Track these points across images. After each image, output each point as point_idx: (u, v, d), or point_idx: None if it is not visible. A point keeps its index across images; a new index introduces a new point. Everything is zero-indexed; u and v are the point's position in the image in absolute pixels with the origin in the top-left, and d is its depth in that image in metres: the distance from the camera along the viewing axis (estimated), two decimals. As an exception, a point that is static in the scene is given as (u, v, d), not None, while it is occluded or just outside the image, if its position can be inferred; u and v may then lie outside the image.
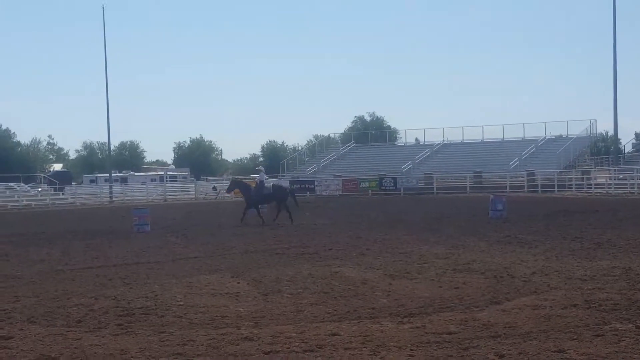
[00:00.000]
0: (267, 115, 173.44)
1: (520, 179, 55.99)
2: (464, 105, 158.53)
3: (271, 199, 29.66)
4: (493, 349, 7.83)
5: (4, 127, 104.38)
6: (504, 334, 8.53)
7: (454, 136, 75.57)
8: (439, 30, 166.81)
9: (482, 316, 9.59)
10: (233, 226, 27.39)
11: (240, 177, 75.74)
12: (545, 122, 71.47)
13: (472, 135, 74.71)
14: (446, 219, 28.28)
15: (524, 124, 72.19)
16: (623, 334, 8.39)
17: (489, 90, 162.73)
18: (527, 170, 56.80)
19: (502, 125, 74.11)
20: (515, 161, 62.83)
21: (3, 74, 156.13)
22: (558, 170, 57.42)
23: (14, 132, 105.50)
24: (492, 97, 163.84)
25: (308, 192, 60.40)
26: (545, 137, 69.80)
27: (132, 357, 7.92)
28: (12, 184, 69.53)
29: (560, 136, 69.76)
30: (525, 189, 53.07)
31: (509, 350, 7.75)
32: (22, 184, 70.60)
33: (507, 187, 52.65)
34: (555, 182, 52.93)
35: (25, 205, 55.25)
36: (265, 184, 30.27)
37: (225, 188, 36.91)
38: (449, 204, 40.67)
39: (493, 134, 73.43)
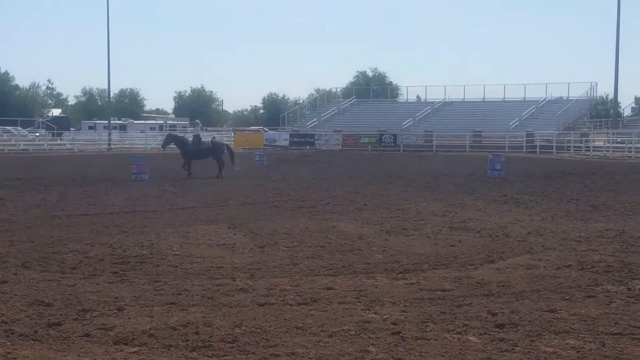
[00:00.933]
0: (269, 67, 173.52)
1: (520, 139, 55.97)
2: (466, 64, 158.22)
3: (208, 154, 28.81)
4: (486, 307, 7.87)
5: (2, 70, 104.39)
6: (497, 292, 8.57)
7: (455, 94, 75.37)
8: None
9: (476, 274, 9.63)
10: (231, 177, 27.37)
11: (239, 128, 75.61)
12: (546, 84, 71.33)
13: (473, 94, 74.58)
14: (444, 177, 28.29)
15: (525, 84, 72.05)
16: (614, 295, 8.44)
17: (491, 50, 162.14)
18: (526, 131, 56.72)
19: (504, 85, 74.08)
20: (515, 121, 62.69)
21: (3, 16, 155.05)
22: (557, 132, 57.32)
23: (12, 76, 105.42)
24: (494, 57, 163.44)
25: (308, 146, 60.34)
26: (545, 99, 69.56)
27: (126, 305, 7.95)
28: (9, 127, 69.53)
29: (561, 98, 69.49)
30: (524, 150, 53.08)
31: (502, 308, 7.79)
32: (20, 128, 70.52)
33: (506, 147, 52.60)
34: (554, 144, 52.86)
35: (23, 149, 55.24)
36: (203, 139, 29.90)
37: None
38: (448, 162, 40.65)
39: (494, 94, 73.28)
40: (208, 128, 79.58)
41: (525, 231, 13.62)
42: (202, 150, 28.69)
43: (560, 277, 9.46)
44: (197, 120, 36.57)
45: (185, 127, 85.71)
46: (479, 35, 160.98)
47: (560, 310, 7.72)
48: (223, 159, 28.53)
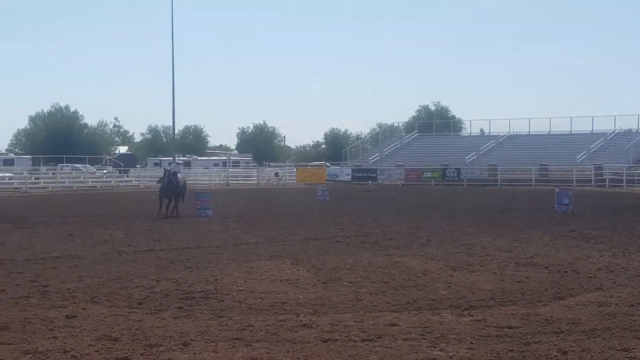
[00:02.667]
0: (331, 102, 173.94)
1: (588, 172, 55.04)
2: (531, 97, 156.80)
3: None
4: (555, 345, 7.70)
5: (72, 109, 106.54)
6: (567, 330, 8.38)
7: (520, 127, 74.89)
8: (507, 19, 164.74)
9: (544, 311, 9.44)
10: (294, 213, 27.44)
11: (301, 163, 75.95)
12: (614, 115, 70.02)
13: (539, 127, 74.15)
14: (510, 212, 27.96)
15: (592, 116, 70.94)
16: (691, 334, 8.18)
17: (557, 82, 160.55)
18: (594, 164, 55.80)
19: (570, 117, 73.17)
20: (583, 154, 61.73)
21: (72, 57, 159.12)
22: (627, 165, 56.25)
23: (81, 114, 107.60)
24: (560, 89, 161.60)
25: (370, 181, 60.27)
26: (614, 131, 68.31)
27: (191, 340, 7.98)
28: (78, 165, 70.98)
29: (630, 130, 68.21)
30: (593, 183, 52.17)
31: (572, 346, 7.61)
32: (88, 165, 71.97)
33: (574, 181, 51.80)
34: (624, 177, 51.90)
35: (91, 186, 56.21)
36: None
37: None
38: (513, 196, 40.17)
39: (560, 127, 72.43)
40: (270, 163, 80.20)
41: (595, 267, 13.33)
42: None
43: (633, 314, 9.21)
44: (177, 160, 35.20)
45: (248, 163, 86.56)
46: (544, 67, 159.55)
47: (633, 349, 7.51)
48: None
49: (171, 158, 72.52)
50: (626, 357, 7.21)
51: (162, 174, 29.16)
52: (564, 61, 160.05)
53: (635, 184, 50.30)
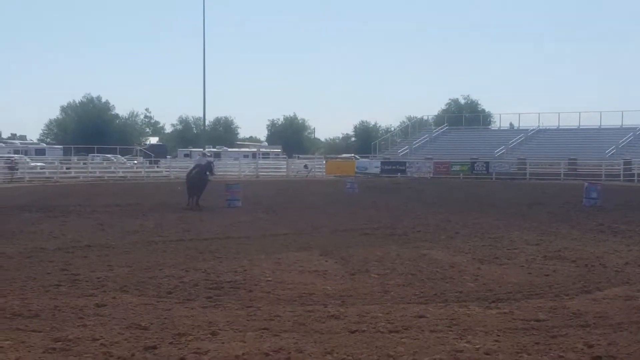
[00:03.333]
0: (361, 95, 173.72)
1: (617, 167, 54.55)
2: (561, 91, 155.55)
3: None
4: (582, 338, 7.71)
5: (103, 100, 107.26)
6: (594, 323, 8.39)
7: (549, 122, 73.98)
8: (536, 13, 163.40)
9: (572, 305, 9.44)
10: (323, 204, 27.51)
11: (331, 156, 76.02)
12: (644, 110, 69.30)
13: (568, 121, 73.09)
14: (538, 206, 27.82)
15: (622, 111, 70.07)
16: None
17: (586, 76, 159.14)
18: (623, 159, 55.30)
19: (600, 112, 72.25)
20: (612, 149, 61.19)
21: (104, 48, 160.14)
22: (656, 160, 55.71)
23: (112, 105, 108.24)
24: (589, 83, 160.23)
25: (399, 174, 60.16)
26: (644, 126, 67.69)
27: (219, 329, 8.07)
28: (109, 155, 71.49)
29: (660, 125, 67.53)
30: (622, 178, 51.70)
31: (599, 340, 7.61)
32: (119, 155, 72.44)
33: (603, 176, 51.35)
34: (654, 172, 51.42)
35: (121, 176, 56.61)
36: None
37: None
38: (541, 190, 39.94)
39: (590, 121, 71.64)
40: (300, 156, 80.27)
41: (622, 261, 13.28)
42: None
43: (659, 309, 9.19)
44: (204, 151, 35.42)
45: (278, 154, 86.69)
46: (573, 61, 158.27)
47: (660, 343, 7.50)
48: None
49: (202, 149, 72.98)
50: (653, 351, 7.21)
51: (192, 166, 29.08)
52: (594, 55, 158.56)
53: (664, 179, 49.84)
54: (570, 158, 58.06)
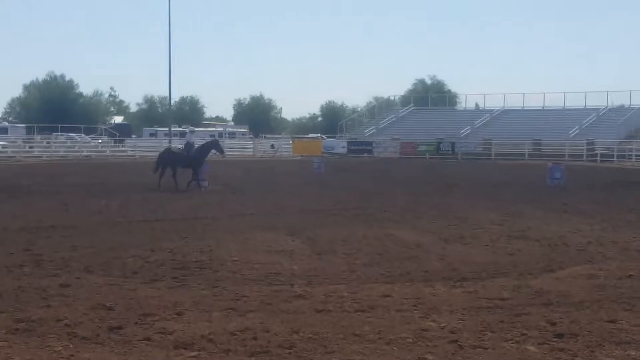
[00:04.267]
0: (328, 75, 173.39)
1: (580, 147, 55.16)
2: (525, 72, 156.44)
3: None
4: (545, 316, 7.80)
5: (67, 78, 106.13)
6: (557, 302, 8.48)
7: (515, 102, 74.57)
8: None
9: (535, 283, 9.54)
10: (290, 185, 27.50)
11: (297, 136, 75.98)
12: (607, 91, 70.09)
13: (533, 102, 73.98)
14: (503, 186, 28.05)
15: (585, 92, 70.80)
16: (678, 307, 8.29)
17: (551, 58, 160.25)
18: (587, 139, 55.91)
19: (564, 93, 72.99)
20: (576, 130, 61.86)
21: (69, 26, 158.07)
22: (618, 140, 56.40)
23: (77, 84, 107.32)
24: (554, 65, 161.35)
25: (366, 154, 60.32)
26: (607, 107, 68.37)
27: (185, 309, 8.05)
28: (73, 134, 70.73)
29: (622, 106, 68.27)
30: (585, 158, 52.30)
31: (561, 318, 7.71)
32: (83, 134, 71.73)
33: (566, 156, 51.90)
34: (615, 152, 52.07)
35: (86, 156, 56.11)
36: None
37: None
38: (506, 170, 40.26)
39: (554, 102, 72.36)
40: (267, 135, 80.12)
41: (585, 240, 13.43)
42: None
43: (621, 287, 9.32)
44: (191, 127, 35.73)
45: (245, 134, 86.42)
46: (538, 43, 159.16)
47: (621, 320, 7.61)
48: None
49: (167, 129, 72.56)
50: (614, 329, 7.30)
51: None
52: (558, 37, 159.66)
53: (626, 159, 50.42)
54: (534, 138, 58.57)
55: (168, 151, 27.51)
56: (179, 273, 10.19)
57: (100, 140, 68.82)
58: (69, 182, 28.51)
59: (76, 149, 59.64)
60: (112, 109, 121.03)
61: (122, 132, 73.82)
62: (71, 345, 6.73)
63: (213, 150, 27.43)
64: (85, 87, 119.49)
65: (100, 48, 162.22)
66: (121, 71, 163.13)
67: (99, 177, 31.53)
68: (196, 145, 27.77)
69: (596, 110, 67.76)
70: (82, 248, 12.29)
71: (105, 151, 59.40)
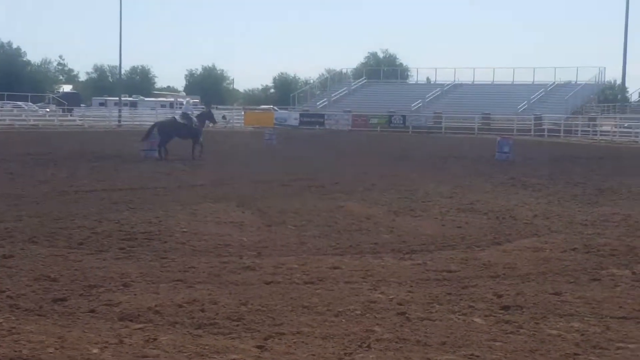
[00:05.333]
0: (280, 46, 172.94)
1: (528, 122, 55.86)
2: (476, 46, 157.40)
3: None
4: (492, 288, 7.87)
5: (14, 46, 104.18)
6: (503, 274, 8.57)
7: (465, 77, 75.12)
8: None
9: (482, 256, 9.62)
10: (241, 156, 27.39)
11: (249, 107, 75.67)
12: (555, 68, 71.11)
13: (483, 76, 74.26)
14: (453, 159, 28.27)
15: (534, 68, 71.83)
16: (619, 279, 8.43)
17: (501, 32, 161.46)
18: (534, 115, 56.59)
19: (513, 68, 73.77)
20: (524, 105, 62.60)
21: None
22: (565, 116, 57.22)
23: (24, 51, 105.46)
24: (503, 40, 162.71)
25: (318, 126, 60.32)
26: (554, 83, 69.35)
27: (132, 281, 7.96)
28: (20, 103, 69.54)
29: (569, 82, 69.24)
30: (532, 133, 52.97)
31: (507, 290, 7.78)
32: (31, 103, 70.63)
33: (515, 130, 52.49)
34: (562, 128, 52.80)
35: (33, 125, 55.26)
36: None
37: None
38: (456, 144, 40.62)
39: (503, 77, 72.95)
40: (218, 106, 79.61)
41: (531, 214, 13.59)
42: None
43: (565, 260, 9.44)
44: (188, 99, 36.06)
45: (196, 105, 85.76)
46: (489, 17, 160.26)
47: (565, 293, 7.71)
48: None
49: (117, 98, 71.69)
50: (558, 301, 7.40)
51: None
52: (508, 13, 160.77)
53: (572, 135, 51.15)
54: (484, 113, 59.11)
55: (173, 122, 27.29)
56: (126, 244, 10.05)
57: (48, 109, 67.73)
58: (15, 151, 28.03)
59: (23, 117, 58.66)
60: (61, 78, 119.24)
61: (71, 101, 72.78)
62: (13, 318, 6.59)
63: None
64: (34, 56, 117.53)
65: (50, 15, 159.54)
66: (71, 39, 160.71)
67: (46, 147, 31.01)
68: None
69: (544, 85, 68.65)
70: (27, 218, 12.07)
71: (53, 120, 58.48)
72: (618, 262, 9.36)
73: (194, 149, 26.33)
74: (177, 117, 28.02)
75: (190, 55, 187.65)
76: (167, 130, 26.40)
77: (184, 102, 31.73)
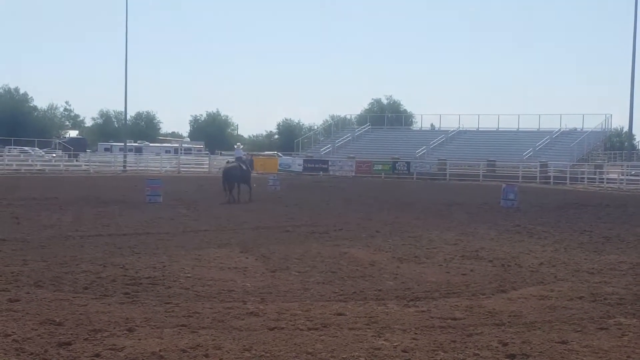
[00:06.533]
0: (285, 93, 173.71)
1: (533, 169, 55.81)
2: (481, 93, 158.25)
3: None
4: (497, 336, 7.85)
5: (21, 91, 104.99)
6: (509, 322, 8.54)
7: (470, 123, 75.34)
8: (458, 15, 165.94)
9: (487, 303, 9.60)
10: (244, 202, 27.44)
11: (254, 152, 75.92)
12: (560, 114, 71.20)
13: (488, 123, 74.49)
14: (457, 206, 28.24)
15: (539, 114, 72.02)
16: (627, 328, 8.39)
17: (506, 80, 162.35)
18: (540, 162, 56.60)
19: (518, 115, 73.91)
20: (529, 152, 62.63)
21: (24, 38, 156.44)
22: (571, 163, 57.23)
23: (31, 97, 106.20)
24: (508, 87, 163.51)
25: (322, 172, 60.43)
26: (560, 129, 69.42)
27: (136, 326, 7.96)
28: (26, 148, 69.91)
29: (575, 129, 69.30)
30: (538, 180, 52.90)
31: (513, 338, 7.76)
32: (37, 148, 70.96)
33: (520, 177, 52.46)
34: (568, 175, 52.74)
35: (39, 170, 55.46)
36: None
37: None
38: (461, 190, 40.59)
39: (508, 124, 73.18)
40: (223, 152, 79.87)
41: (537, 262, 13.57)
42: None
43: (572, 308, 9.42)
44: (238, 143, 37.28)
45: (200, 150, 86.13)
46: (494, 64, 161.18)
47: (572, 341, 7.68)
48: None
49: (122, 144, 72.00)
50: (564, 350, 7.37)
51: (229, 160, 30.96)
52: (513, 60, 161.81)
53: (578, 182, 51.12)
54: (489, 159, 59.13)
55: (238, 168, 28.84)
56: (131, 289, 10.08)
57: (54, 155, 68.04)
58: (21, 195, 28.15)
59: (29, 162, 58.88)
60: (67, 123, 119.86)
61: (77, 147, 73.12)
62: (18, 361, 6.60)
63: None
64: (40, 101, 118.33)
65: (57, 62, 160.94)
66: (77, 85, 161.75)
67: (52, 191, 31.11)
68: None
69: (549, 132, 68.73)
70: (33, 262, 12.12)
71: (59, 165, 58.71)
72: (625, 311, 9.32)
73: (249, 192, 28.66)
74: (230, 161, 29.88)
75: (194, 101, 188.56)
76: (234, 174, 28.15)
77: (235, 147, 32.93)
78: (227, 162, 30.23)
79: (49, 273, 11.15)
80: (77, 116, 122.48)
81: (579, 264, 13.36)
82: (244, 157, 30.78)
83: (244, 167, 28.91)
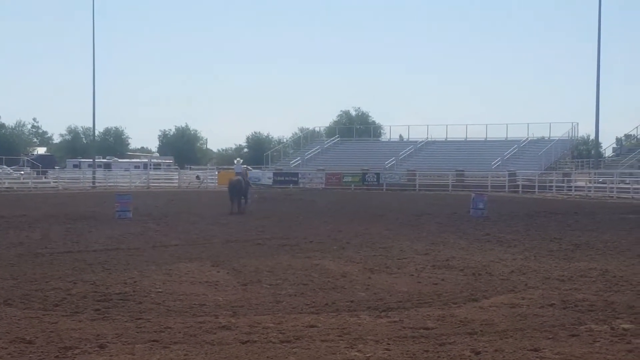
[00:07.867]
0: (253, 106, 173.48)
1: (502, 178, 56.10)
2: (448, 104, 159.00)
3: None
4: (469, 345, 7.88)
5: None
6: (481, 330, 8.59)
7: (438, 134, 75.65)
8: (424, 27, 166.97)
9: (459, 312, 9.65)
10: (215, 215, 27.37)
11: (223, 167, 75.82)
12: (528, 124, 71.62)
13: (456, 133, 74.84)
14: (427, 216, 28.35)
15: (507, 124, 72.39)
16: (598, 334, 8.47)
17: (474, 90, 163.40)
18: (508, 171, 56.96)
19: (486, 124, 74.35)
20: (498, 161, 63.01)
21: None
22: (539, 172, 57.64)
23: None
24: (476, 97, 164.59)
25: (291, 184, 60.40)
26: (527, 138, 69.94)
27: (108, 342, 7.91)
28: (-6, 165, 69.15)
29: (543, 138, 69.87)
30: (507, 189, 53.19)
31: (485, 347, 7.80)
32: (5, 166, 70.25)
33: (489, 187, 52.70)
34: (536, 183, 53.07)
35: (7, 187, 54.89)
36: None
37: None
38: (430, 201, 40.75)
39: (476, 133, 73.59)
40: (192, 166, 79.60)
41: (508, 270, 13.66)
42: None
43: (543, 315, 9.49)
44: (238, 158, 38.19)
45: (170, 165, 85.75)
46: (461, 75, 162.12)
47: (544, 349, 7.73)
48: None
49: (91, 160, 71.52)
50: (537, 357, 7.42)
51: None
52: (480, 70, 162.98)
53: (546, 190, 51.50)
54: (457, 169, 59.42)
55: (241, 182, 30.50)
56: (102, 305, 10.02)
57: (22, 172, 67.39)
58: (-12, 213, 27.80)
59: (-3, 180, 58.29)
60: (35, 140, 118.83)
61: (45, 163, 72.52)
62: (-12, 381, 6.53)
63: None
64: (7, 118, 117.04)
65: (23, 78, 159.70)
66: (44, 102, 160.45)
67: (20, 209, 30.82)
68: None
69: (517, 141, 69.23)
70: (2, 280, 12.00)
71: (27, 182, 58.17)
72: (596, 318, 9.40)
73: (247, 204, 30.65)
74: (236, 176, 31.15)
75: (163, 115, 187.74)
76: (238, 189, 29.93)
77: (235, 162, 34.21)
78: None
79: (18, 291, 11.05)
80: (44, 133, 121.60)
81: (549, 272, 13.47)
82: (244, 172, 32.63)
83: (243, 182, 30.52)
